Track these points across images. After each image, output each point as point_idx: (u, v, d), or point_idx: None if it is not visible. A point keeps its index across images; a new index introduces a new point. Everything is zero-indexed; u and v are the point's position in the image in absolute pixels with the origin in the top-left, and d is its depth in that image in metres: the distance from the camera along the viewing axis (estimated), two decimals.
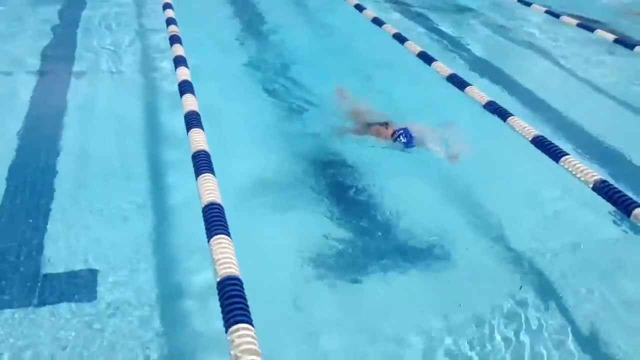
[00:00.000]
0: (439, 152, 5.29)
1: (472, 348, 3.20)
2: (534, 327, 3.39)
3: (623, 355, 3.26)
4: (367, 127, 5.56)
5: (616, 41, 7.45)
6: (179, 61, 5.56)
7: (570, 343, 3.30)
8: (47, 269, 3.54)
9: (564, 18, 8.22)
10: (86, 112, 5.39)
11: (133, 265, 3.59)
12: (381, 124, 5.55)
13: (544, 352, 3.25)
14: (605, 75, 7.06)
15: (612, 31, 7.65)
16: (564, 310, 3.57)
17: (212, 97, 5.42)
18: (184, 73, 5.25)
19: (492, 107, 5.14)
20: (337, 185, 4.65)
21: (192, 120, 4.39)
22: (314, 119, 5.67)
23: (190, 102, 4.67)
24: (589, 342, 3.35)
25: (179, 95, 4.82)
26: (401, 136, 5.31)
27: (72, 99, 5.62)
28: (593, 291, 3.78)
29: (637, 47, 7.08)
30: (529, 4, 9.21)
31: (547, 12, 8.74)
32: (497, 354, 3.18)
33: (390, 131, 5.42)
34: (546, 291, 3.75)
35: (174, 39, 6.19)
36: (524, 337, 3.33)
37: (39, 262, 3.59)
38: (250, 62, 6.86)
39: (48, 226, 3.87)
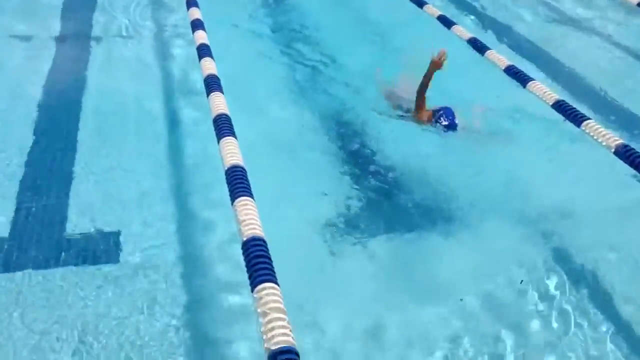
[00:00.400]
0: (482, 138, 4.80)
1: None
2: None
3: None
4: (403, 108, 5.16)
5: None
6: (196, 25, 5.54)
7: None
8: (70, 230, 3.59)
9: None
10: (105, 76, 5.40)
11: (155, 225, 3.63)
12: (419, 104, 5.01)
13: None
14: (627, 37, 6.93)
15: None
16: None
17: (232, 61, 5.40)
18: (201, 36, 5.24)
19: (512, 71, 5.10)
20: (359, 153, 4.66)
21: (212, 84, 4.40)
22: (340, 89, 5.59)
23: (209, 66, 4.67)
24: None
25: (197, 59, 4.83)
26: (442, 117, 4.79)
27: (91, 62, 5.62)
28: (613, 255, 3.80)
29: None
30: None
31: None
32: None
33: (428, 113, 4.91)
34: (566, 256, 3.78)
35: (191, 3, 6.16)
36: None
37: (62, 222, 3.64)
38: (275, 28, 6.78)
39: (71, 186, 3.92)
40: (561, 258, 3.72)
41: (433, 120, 4.85)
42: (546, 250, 3.76)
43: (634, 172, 3.74)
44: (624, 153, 3.78)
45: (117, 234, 3.59)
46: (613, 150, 3.84)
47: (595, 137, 4.03)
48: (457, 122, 4.80)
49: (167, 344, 2.89)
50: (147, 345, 2.89)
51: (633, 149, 3.80)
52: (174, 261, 3.37)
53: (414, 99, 5.03)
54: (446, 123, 4.76)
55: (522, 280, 3.51)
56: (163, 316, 3.07)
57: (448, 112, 4.82)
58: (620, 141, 3.88)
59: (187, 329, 2.95)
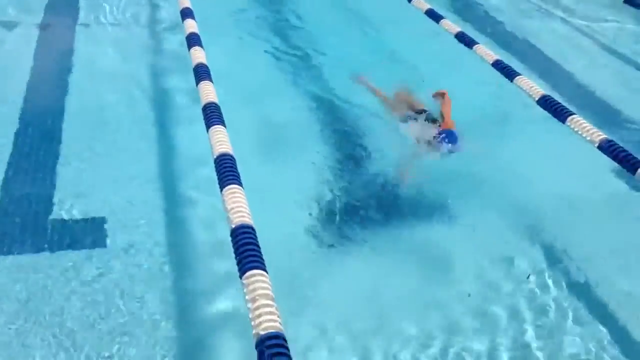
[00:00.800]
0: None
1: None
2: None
3: None
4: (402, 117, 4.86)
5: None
6: (186, 14, 5.52)
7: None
8: (57, 214, 3.58)
9: None
10: (91, 64, 5.37)
11: (143, 212, 3.63)
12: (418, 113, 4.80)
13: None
14: (608, 34, 7.01)
15: None
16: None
17: (221, 51, 5.39)
18: (191, 25, 5.23)
19: (499, 66, 5.16)
20: (345, 142, 4.68)
21: (202, 72, 4.41)
22: (331, 80, 5.60)
23: (198, 55, 4.67)
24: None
25: (187, 49, 4.82)
26: (445, 139, 4.49)
27: (77, 49, 5.58)
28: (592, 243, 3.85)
29: None
30: None
31: None
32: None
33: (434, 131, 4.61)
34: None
35: None
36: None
37: (49, 207, 3.63)
38: (265, 18, 6.76)
39: (57, 171, 3.90)
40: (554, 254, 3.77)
41: (436, 140, 4.53)
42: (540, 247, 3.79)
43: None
44: (607, 148, 3.84)
45: (103, 219, 3.58)
46: (597, 145, 3.91)
47: (580, 132, 4.10)
48: (459, 143, 4.50)
49: (152, 329, 2.90)
50: (131, 333, 2.89)
51: (617, 143, 3.87)
52: (161, 248, 3.36)
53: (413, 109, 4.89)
54: (448, 144, 4.48)
55: (529, 275, 3.52)
56: (148, 302, 3.06)
57: (450, 135, 4.52)
58: (605, 136, 3.94)
59: (174, 315, 2.96)
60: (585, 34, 7.13)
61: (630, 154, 3.72)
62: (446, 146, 4.43)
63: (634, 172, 3.59)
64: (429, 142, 4.55)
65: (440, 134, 4.51)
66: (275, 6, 7.10)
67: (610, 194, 4.32)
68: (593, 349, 3.08)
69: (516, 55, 6.06)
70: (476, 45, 5.52)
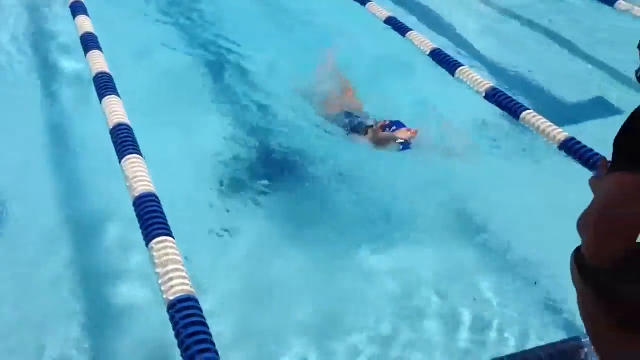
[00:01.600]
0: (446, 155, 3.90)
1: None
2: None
3: None
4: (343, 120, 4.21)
5: None
6: None
7: None
8: None
9: None
10: None
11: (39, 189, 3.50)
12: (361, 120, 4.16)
13: None
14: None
15: None
16: None
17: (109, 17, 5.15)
18: None
19: (393, 22, 5.24)
20: (246, 104, 4.63)
21: (89, 42, 4.24)
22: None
23: (84, 23, 4.48)
24: None
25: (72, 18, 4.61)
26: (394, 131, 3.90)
27: None
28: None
29: None
30: None
31: None
32: None
33: (379, 126, 4.00)
34: None
35: None
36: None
37: None
38: None
39: None
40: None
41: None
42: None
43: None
44: (493, 95, 4.07)
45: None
46: (483, 94, 4.13)
47: (467, 83, 4.30)
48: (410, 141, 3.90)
49: (50, 299, 2.84)
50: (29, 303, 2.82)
51: (502, 91, 4.10)
52: (61, 223, 3.26)
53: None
54: (401, 140, 3.86)
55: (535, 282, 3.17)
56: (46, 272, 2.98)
57: (399, 126, 3.92)
58: (490, 84, 4.17)
59: (80, 288, 2.90)
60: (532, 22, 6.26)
61: (513, 100, 3.97)
62: (399, 141, 3.85)
63: (517, 117, 3.84)
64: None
65: (388, 125, 3.93)
66: None
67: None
68: None
69: (409, 12, 6.10)
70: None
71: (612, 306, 1.48)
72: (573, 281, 1.62)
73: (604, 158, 1.73)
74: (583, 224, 1.58)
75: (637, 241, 1.52)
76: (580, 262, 1.56)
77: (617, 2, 5.87)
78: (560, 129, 3.62)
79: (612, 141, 1.56)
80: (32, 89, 4.45)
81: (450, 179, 3.80)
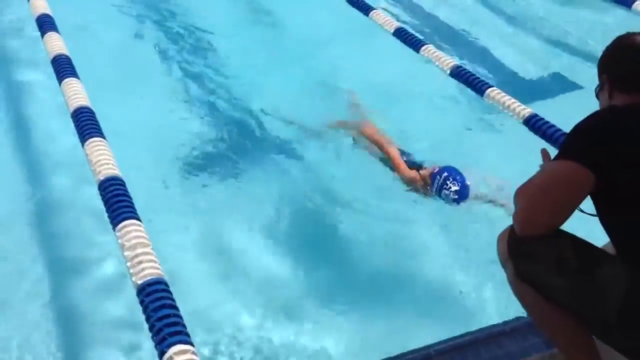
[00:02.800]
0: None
1: None
2: None
3: None
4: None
5: None
6: None
7: None
8: None
9: None
10: None
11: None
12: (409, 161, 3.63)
13: None
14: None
15: None
16: None
17: None
18: None
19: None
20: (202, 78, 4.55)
21: (45, 24, 4.11)
22: None
23: (40, 4, 4.33)
24: None
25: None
26: (449, 181, 3.28)
27: None
28: None
29: None
30: None
31: None
32: None
33: (429, 173, 3.41)
34: None
35: None
36: None
37: None
38: None
39: None
40: None
41: (433, 187, 3.35)
42: None
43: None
44: (458, 73, 4.09)
45: None
46: (449, 72, 4.15)
47: (433, 61, 4.30)
48: (468, 184, 3.32)
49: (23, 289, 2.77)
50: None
51: (466, 69, 4.13)
52: (23, 211, 3.17)
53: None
54: (456, 188, 3.28)
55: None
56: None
57: (454, 174, 3.33)
58: (455, 62, 4.19)
59: (48, 279, 2.83)
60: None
61: (478, 78, 3.99)
62: (453, 189, 3.29)
63: (482, 94, 3.87)
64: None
65: (439, 172, 3.34)
66: None
67: None
68: None
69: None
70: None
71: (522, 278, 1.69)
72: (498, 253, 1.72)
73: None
74: (521, 193, 1.67)
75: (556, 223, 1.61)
76: (510, 235, 1.67)
77: None
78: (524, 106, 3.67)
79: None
80: None
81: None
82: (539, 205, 1.64)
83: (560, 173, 1.65)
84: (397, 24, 4.75)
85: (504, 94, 3.78)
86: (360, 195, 3.54)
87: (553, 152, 1.82)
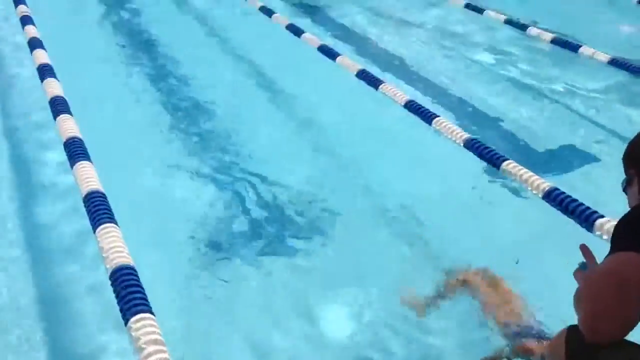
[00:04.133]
0: None
1: None
2: None
3: None
4: None
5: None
6: (34, 44, 5.17)
7: None
8: None
9: None
10: None
11: None
12: None
13: None
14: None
15: None
16: None
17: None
18: (42, 55, 4.90)
19: (364, 75, 5.28)
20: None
21: (59, 105, 4.14)
22: None
23: (54, 87, 4.38)
24: None
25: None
26: None
27: None
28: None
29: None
30: None
31: None
32: None
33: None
34: None
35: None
36: None
37: None
38: None
39: None
40: None
41: None
42: None
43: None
44: (472, 146, 4.06)
45: None
46: (462, 144, 4.12)
47: (444, 133, 4.30)
48: None
49: None
50: None
51: (480, 141, 4.09)
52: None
53: None
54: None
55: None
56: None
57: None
58: (468, 135, 4.16)
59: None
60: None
61: (493, 150, 3.96)
62: None
63: (497, 167, 3.82)
64: None
65: None
66: None
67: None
68: None
69: (378, 64, 6.11)
70: (339, 57, 5.68)
71: None
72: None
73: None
74: (578, 303, 1.55)
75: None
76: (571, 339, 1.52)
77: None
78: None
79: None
80: None
81: None
82: (612, 310, 1.48)
83: (630, 267, 1.48)
84: (407, 97, 4.80)
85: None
86: None
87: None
